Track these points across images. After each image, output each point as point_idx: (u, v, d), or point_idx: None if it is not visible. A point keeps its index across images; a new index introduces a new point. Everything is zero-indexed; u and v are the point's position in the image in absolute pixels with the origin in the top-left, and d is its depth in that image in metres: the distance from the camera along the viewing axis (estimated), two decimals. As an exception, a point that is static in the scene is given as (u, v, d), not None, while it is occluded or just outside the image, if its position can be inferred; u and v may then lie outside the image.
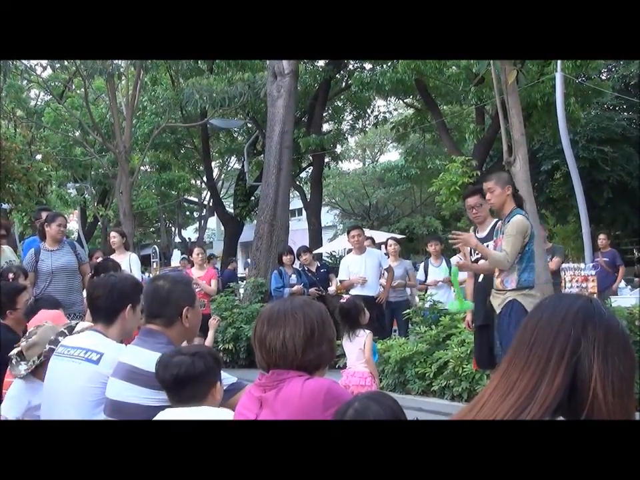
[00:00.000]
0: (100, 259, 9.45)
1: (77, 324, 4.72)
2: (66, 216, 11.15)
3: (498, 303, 7.26)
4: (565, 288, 11.92)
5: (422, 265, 12.34)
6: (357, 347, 7.24)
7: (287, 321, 2.82)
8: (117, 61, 21.24)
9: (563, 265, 12.20)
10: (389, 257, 12.70)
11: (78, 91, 28.61)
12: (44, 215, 9.40)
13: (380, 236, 24.18)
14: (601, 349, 1.79)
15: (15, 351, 4.66)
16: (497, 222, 8.05)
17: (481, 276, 8.04)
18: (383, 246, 13.85)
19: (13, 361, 4.64)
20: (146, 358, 3.62)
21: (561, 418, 1.79)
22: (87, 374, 3.95)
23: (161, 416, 3.24)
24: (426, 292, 11.56)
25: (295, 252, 13.18)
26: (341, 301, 8.01)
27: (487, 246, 7.94)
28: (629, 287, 16.69)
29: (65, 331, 4.59)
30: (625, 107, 30.04)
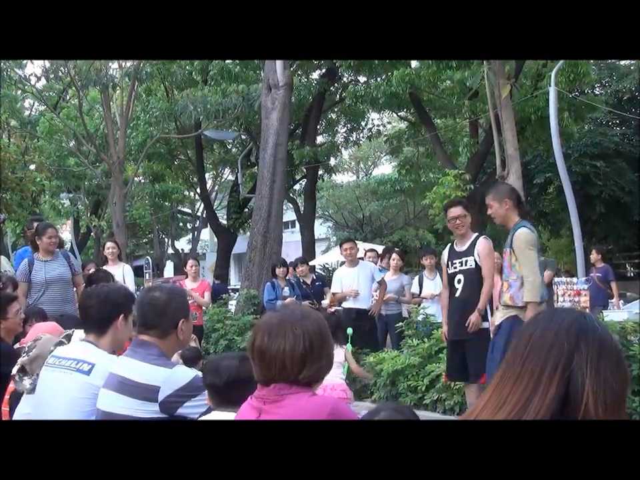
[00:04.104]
0: (92, 270, 9.40)
1: (73, 332, 4.70)
2: (56, 226, 11.13)
3: (499, 315, 7.17)
4: (558, 302, 11.94)
5: (416, 278, 12.33)
6: (337, 360, 7.23)
7: (287, 335, 2.77)
8: (111, 71, 21.27)
9: (556, 279, 12.23)
10: (388, 270, 12.75)
11: (72, 102, 28.63)
12: (36, 225, 9.35)
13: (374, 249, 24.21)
14: (594, 363, 1.78)
15: (16, 368, 4.63)
16: (477, 237, 8.08)
17: (459, 292, 8.01)
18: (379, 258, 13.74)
19: (17, 377, 4.62)
20: (137, 369, 3.61)
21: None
22: (78, 385, 3.92)
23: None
24: (419, 305, 11.53)
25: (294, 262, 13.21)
26: (329, 310, 8.01)
27: (467, 261, 7.95)
28: (621, 301, 16.68)
29: (64, 340, 4.57)
30: (618, 122, 30.18)
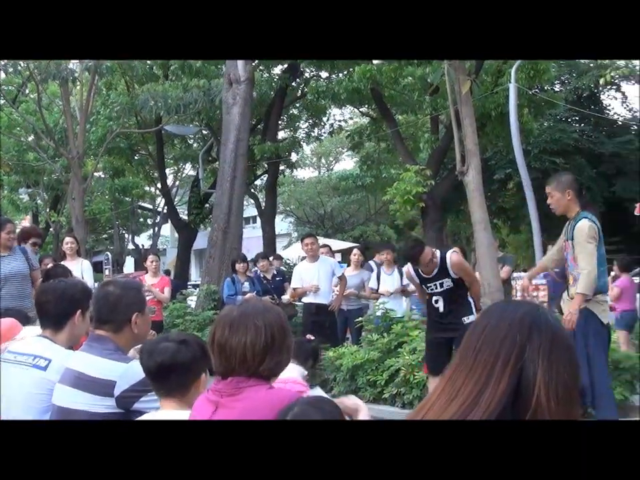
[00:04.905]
0: (50, 265, 9.31)
1: None
2: (15, 221, 11.00)
3: (567, 309, 7.07)
4: (516, 297, 12.02)
5: (374, 273, 12.36)
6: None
7: (248, 328, 2.77)
8: (71, 65, 21.05)
9: (514, 274, 12.32)
10: (349, 265, 12.80)
11: (31, 96, 28.35)
12: (-6, 220, 9.22)
13: (334, 244, 24.23)
14: (546, 355, 1.79)
15: None
16: (443, 258, 7.90)
17: (441, 308, 7.95)
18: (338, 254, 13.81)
19: None
20: (94, 364, 3.58)
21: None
22: (35, 380, 3.89)
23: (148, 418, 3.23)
24: (377, 300, 11.60)
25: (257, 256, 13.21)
26: (308, 337, 7.94)
27: (442, 284, 7.88)
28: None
29: None
30: (577, 119, 30.48)
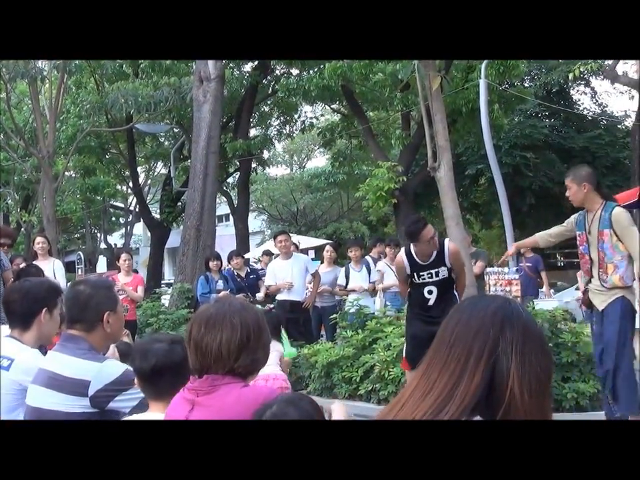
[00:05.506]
0: (22, 265, 9.24)
1: None
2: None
3: (602, 299, 7.05)
4: (489, 292, 12.08)
5: (343, 270, 12.38)
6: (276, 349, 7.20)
7: (224, 325, 2.78)
8: (39, 63, 20.90)
9: (487, 269, 12.36)
10: (322, 262, 12.84)
11: (0, 95, 28.13)
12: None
13: (307, 241, 24.24)
14: (519, 348, 1.81)
15: None
16: (442, 245, 7.79)
17: (432, 301, 7.81)
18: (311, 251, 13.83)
19: None
20: (67, 364, 3.56)
21: (479, 417, 1.80)
22: (-1, 381, 3.88)
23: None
24: (347, 296, 11.64)
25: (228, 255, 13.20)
26: (268, 306, 7.93)
27: (438, 272, 7.72)
28: (552, 290, 16.95)
29: None
30: (547, 114, 30.61)
